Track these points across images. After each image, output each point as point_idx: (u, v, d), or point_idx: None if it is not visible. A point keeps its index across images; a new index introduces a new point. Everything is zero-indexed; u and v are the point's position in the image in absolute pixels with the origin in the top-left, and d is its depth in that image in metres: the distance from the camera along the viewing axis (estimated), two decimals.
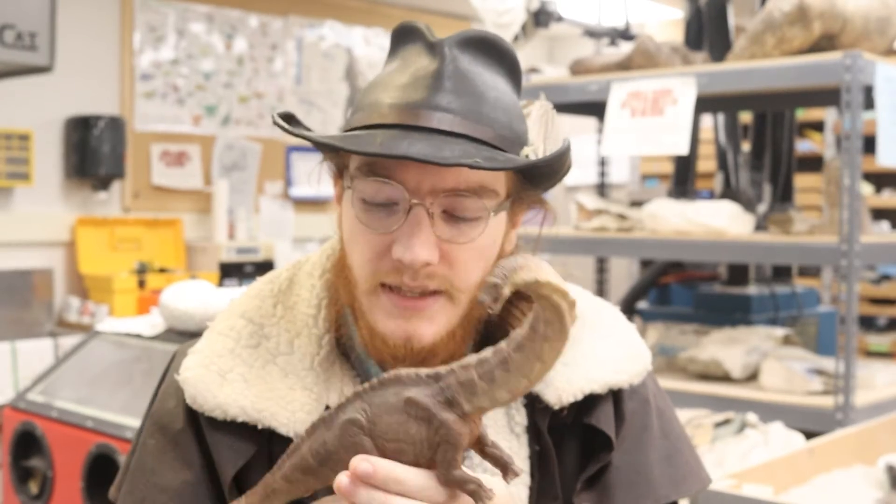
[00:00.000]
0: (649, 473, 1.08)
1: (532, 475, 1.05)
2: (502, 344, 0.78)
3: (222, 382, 1.01)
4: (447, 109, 0.93)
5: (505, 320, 1.06)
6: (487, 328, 1.07)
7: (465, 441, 0.78)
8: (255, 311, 1.07)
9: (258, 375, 1.02)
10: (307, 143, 1.03)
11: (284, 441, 0.99)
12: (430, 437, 0.78)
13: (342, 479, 0.79)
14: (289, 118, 1.02)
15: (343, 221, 1.02)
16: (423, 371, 0.79)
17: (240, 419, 1.00)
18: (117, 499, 1.09)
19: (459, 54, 0.97)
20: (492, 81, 0.98)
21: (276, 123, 1.00)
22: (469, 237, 0.96)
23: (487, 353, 0.79)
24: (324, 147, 0.98)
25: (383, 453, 0.79)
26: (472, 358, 0.79)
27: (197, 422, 1.04)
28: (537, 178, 1.02)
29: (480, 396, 0.77)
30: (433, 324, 0.97)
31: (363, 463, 0.78)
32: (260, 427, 1.00)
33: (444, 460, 0.77)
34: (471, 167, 0.89)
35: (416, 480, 0.79)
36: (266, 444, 1.01)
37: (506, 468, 0.82)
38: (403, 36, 1.01)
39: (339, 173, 1.03)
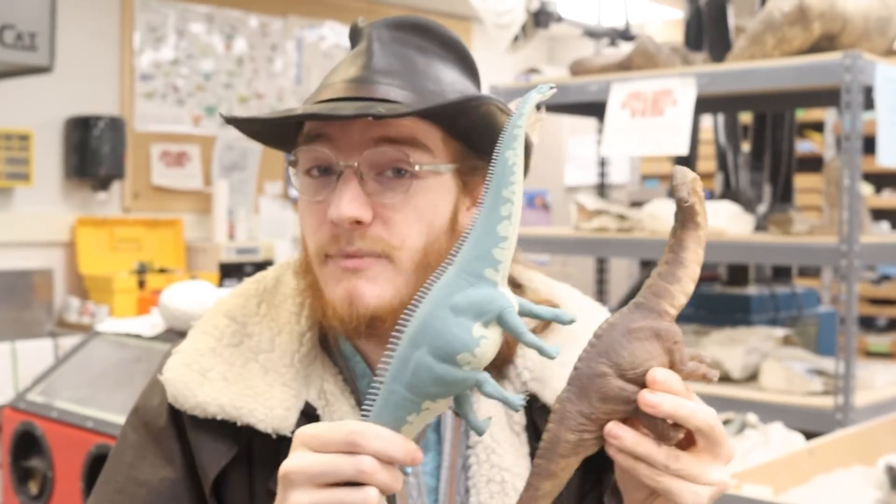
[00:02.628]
0: None
1: None
2: (666, 250, 0.88)
3: (202, 381, 1.03)
4: (372, 81, 0.99)
5: None
6: None
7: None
8: (239, 309, 1.09)
9: (238, 374, 1.04)
10: None
11: (264, 438, 1.01)
12: (663, 347, 0.86)
13: (646, 398, 0.83)
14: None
15: (298, 210, 1.05)
16: (625, 309, 0.87)
17: (219, 417, 1.01)
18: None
19: (385, 32, 1.03)
20: (422, 57, 1.03)
21: (225, 120, 1.03)
22: (400, 191, 0.98)
23: (661, 264, 0.88)
24: (253, 126, 1.03)
25: (638, 382, 0.86)
26: (652, 277, 0.88)
27: (179, 421, 1.05)
28: (475, 140, 1.02)
29: (677, 296, 0.87)
30: (374, 285, 0.98)
31: (659, 373, 0.84)
32: (239, 424, 1.01)
33: (681, 358, 0.87)
34: (374, 117, 0.93)
35: (677, 380, 0.86)
36: (246, 441, 1.03)
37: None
38: (351, 36, 1.08)
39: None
